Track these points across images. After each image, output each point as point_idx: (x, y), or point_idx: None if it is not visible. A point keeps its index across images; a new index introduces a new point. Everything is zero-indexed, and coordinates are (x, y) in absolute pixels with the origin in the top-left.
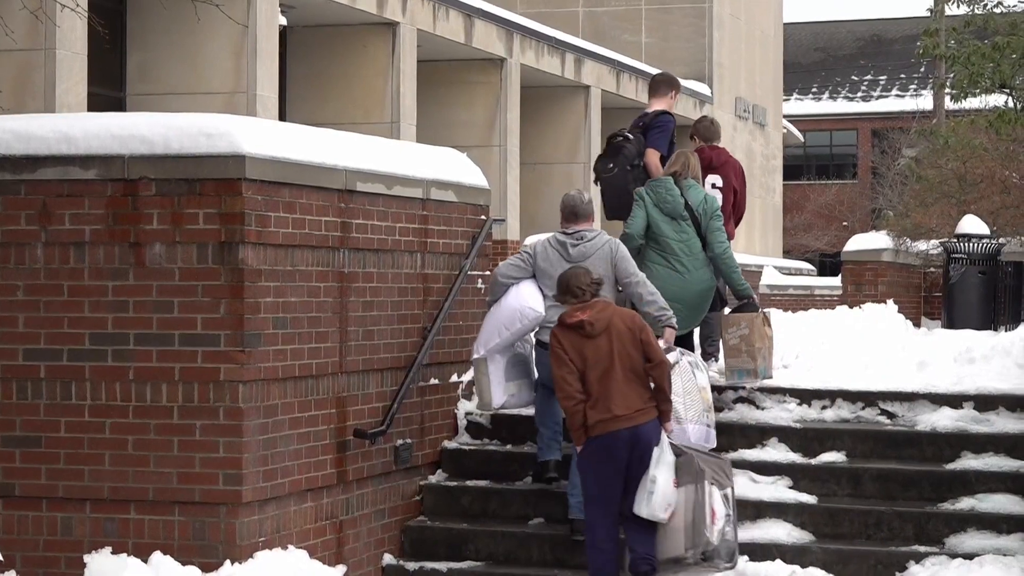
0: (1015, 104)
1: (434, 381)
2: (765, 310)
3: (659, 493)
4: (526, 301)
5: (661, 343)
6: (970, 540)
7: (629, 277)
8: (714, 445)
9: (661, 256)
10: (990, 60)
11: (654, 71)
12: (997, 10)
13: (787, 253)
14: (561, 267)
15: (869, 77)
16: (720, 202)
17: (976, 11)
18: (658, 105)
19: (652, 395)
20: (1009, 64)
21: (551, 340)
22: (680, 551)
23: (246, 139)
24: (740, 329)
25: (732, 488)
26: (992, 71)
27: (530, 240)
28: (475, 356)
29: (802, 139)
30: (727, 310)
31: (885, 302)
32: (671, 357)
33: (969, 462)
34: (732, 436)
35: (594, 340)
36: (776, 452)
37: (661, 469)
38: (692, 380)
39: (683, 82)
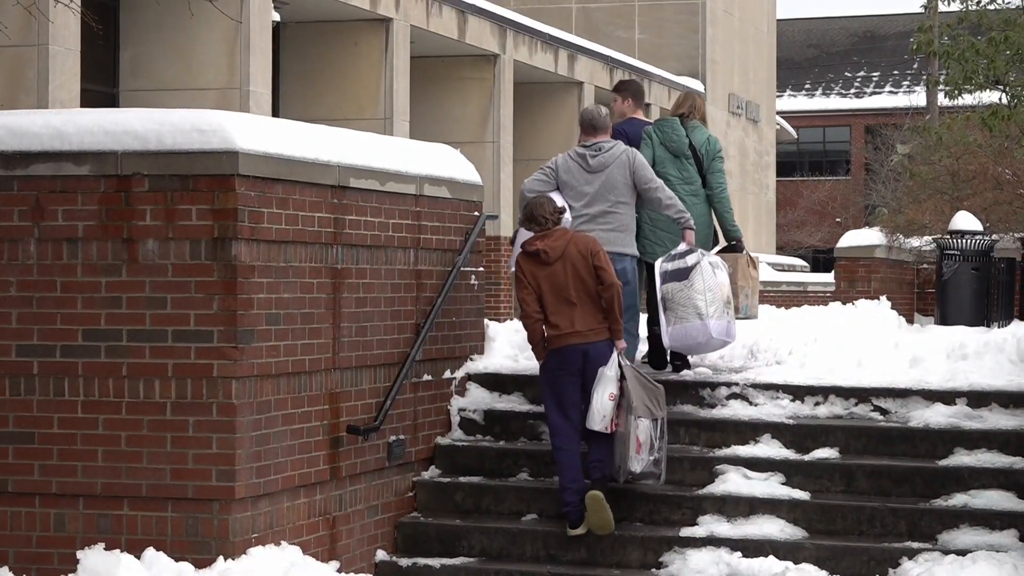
0: (1009, 101)
1: (427, 377)
2: (752, 253)
3: (594, 407)
4: None
5: (683, 245)
6: (963, 536)
7: (647, 183)
8: (734, 339)
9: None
10: (984, 56)
11: (648, 67)
12: (992, 7)
13: (780, 249)
14: (583, 177)
15: (862, 73)
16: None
17: (970, 8)
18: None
19: (605, 316)
20: (1004, 60)
21: (516, 265)
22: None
23: (239, 135)
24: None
25: (664, 417)
26: (986, 67)
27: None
28: (512, 270)
29: (795, 135)
30: (716, 248)
31: (878, 298)
32: (692, 258)
33: (962, 458)
34: (725, 432)
35: (551, 266)
36: (769, 448)
37: (600, 385)
38: (713, 278)
39: (676, 79)
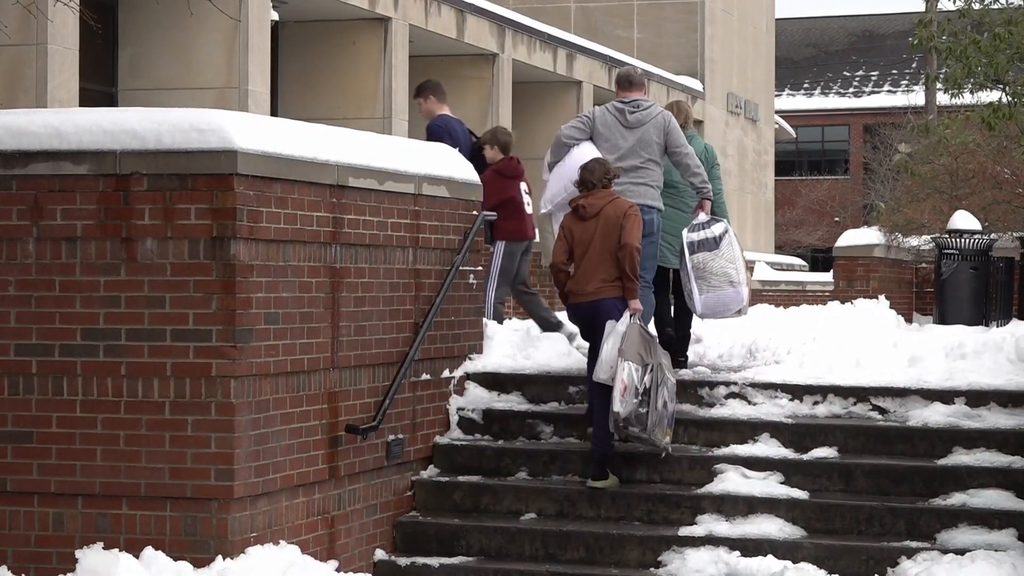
0: (1009, 101)
1: (426, 376)
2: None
3: (601, 357)
4: (590, 157)
5: (702, 215)
6: (961, 536)
7: (678, 148)
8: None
9: (669, 197)
10: (984, 54)
11: (647, 66)
12: (995, 6)
13: (779, 248)
14: (619, 131)
15: (861, 73)
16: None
17: (974, 6)
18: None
19: (619, 276)
20: (1006, 58)
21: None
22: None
23: (238, 134)
24: None
25: (656, 365)
26: (986, 65)
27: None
28: (543, 211)
29: (794, 135)
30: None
31: (877, 298)
32: (718, 227)
33: (961, 458)
34: (724, 431)
35: (585, 222)
36: (768, 448)
37: (608, 339)
38: (738, 248)
39: (675, 78)
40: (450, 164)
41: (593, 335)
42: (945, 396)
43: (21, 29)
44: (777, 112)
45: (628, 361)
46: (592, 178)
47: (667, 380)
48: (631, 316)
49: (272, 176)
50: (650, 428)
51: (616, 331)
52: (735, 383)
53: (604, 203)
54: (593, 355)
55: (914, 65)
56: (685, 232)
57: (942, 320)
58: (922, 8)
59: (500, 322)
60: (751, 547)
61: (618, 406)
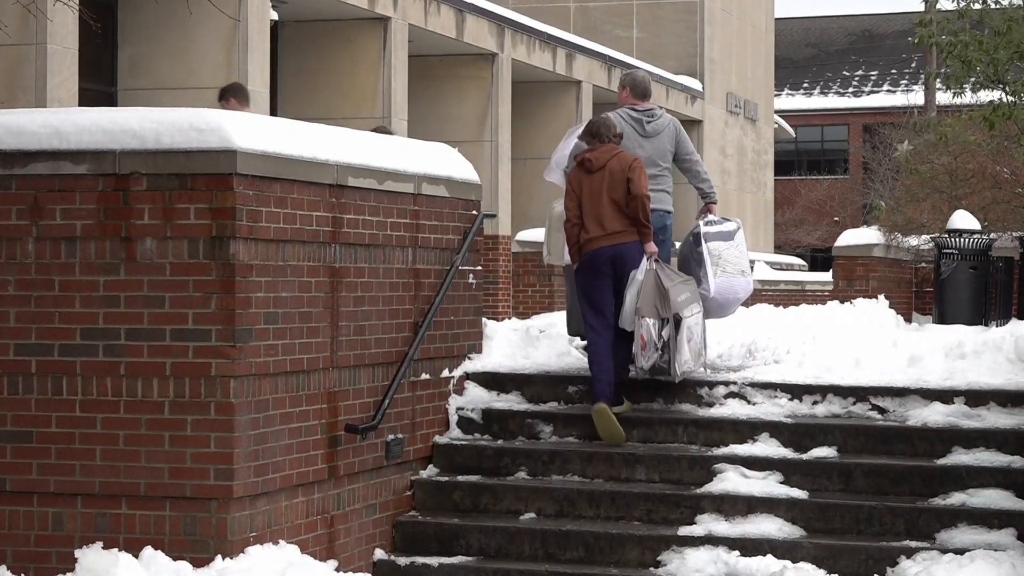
0: (1010, 99)
1: (425, 376)
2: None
3: (625, 307)
4: None
5: (712, 216)
6: (961, 535)
7: (688, 155)
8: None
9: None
10: (985, 52)
11: (646, 66)
12: (996, 7)
13: (778, 248)
14: (637, 141)
15: (860, 72)
16: None
17: (972, 6)
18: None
19: (632, 223)
20: (1006, 55)
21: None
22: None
23: (237, 134)
24: None
25: (672, 316)
26: (986, 64)
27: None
28: (565, 222)
29: (793, 134)
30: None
31: (876, 297)
32: (731, 224)
33: (960, 457)
34: (723, 431)
35: (592, 175)
36: (767, 447)
37: (631, 287)
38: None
39: (675, 77)
40: (449, 164)
41: (604, 284)
42: (944, 396)
43: (20, 29)
44: (776, 112)
45: (645, 317)
46: (607, 132)
47: (688, 317)
48: (648, 259)
49: (271, 176)
50: (674, 373)
51: (636, 280)
52: (734, 383)
53: (609, 157)
54: (594, 303)
55: (913, 65)
56: (700, 224)
57: (941, 320)
58: (922, 8)
59: None
60: (750, 547)
61: (641, 361)
